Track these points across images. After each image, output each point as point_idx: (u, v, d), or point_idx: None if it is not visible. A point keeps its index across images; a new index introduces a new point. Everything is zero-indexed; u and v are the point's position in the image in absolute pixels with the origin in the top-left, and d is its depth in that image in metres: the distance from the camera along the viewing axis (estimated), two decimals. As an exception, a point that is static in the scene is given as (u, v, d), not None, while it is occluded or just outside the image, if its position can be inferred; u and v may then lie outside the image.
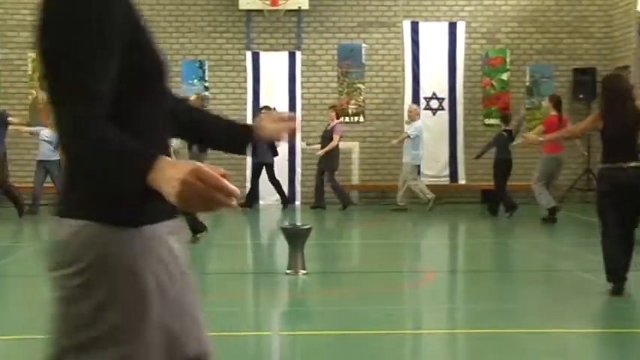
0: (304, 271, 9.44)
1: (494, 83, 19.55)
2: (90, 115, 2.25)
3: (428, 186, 17.96)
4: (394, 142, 17.88)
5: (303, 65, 19.29)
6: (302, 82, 19.27)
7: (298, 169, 19.11)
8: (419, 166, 17.91)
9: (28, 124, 17.46)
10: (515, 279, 10.17)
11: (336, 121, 17.94)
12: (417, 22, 19.33)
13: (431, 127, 19.00)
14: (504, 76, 19.54)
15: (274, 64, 19.18)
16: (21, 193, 16.39)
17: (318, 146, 17.94)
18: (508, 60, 19.54)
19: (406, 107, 18.85)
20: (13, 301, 8.76)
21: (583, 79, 18.94)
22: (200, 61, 19.32)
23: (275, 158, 18.14)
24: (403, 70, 19.38)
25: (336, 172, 17.84)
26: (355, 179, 19.18)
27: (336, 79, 19.46)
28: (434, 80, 19.31)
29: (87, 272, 2.33)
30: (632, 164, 8.15)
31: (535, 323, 7.37)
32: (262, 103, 18.86)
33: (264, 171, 17.93)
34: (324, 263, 10.85)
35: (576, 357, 6.50)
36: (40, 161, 16.63)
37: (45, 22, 2.49)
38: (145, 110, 2.47)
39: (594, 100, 17.59)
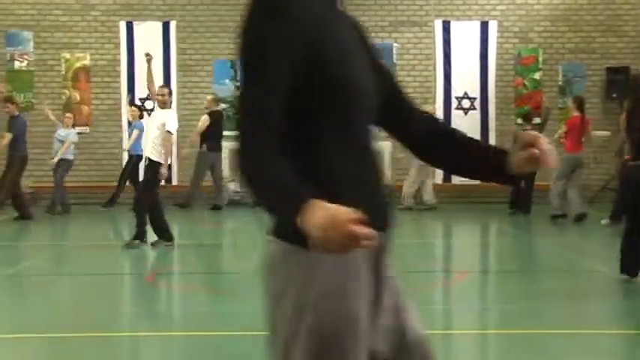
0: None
1: (527, 83, 19.45)
2: (258, 133, 2.32)
3: (457, 185, 17.96)
4: (400, 155, 17.98)
5: (334, 65, 19.26)
6: (333, 82, 19.24)
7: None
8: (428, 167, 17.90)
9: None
10: (544, 279, 10.12)
11: None
12: (449, 22, 19.28)
13: (462, 127, 18.51)
14: (537, 76, 19.44)
15: (305, 64, 19.17)
16: (28, 199, 16.45)
17: None
18: (540, 59, 19.43)
19: (438, 107, 18.84)
20: (41, 300, 8.84)
21: (616, 78, 18.80)
22: (232, 61, 19.37)
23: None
24: (435, 70, 19.33)
25: None
26: (386, 179, 19.12)
27: (367, 79, 19.43)
28: (465, 80, 19.25)
29: (296, 297, 2.38)
30: None
31: (565, 324, 7.33)
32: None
33: None
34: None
35: (607, 358, 6.46)
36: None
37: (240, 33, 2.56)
38: (330, 134, 2.44)
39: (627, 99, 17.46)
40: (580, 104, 15.23)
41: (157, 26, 19.10)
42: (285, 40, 2.37)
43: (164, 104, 11.99)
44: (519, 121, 19.34)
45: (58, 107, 18.86)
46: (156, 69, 18.86)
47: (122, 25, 19.10)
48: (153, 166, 11.54)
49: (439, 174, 19.09)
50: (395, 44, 19.41)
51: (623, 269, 8.88)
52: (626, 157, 10.13)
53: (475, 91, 19.27)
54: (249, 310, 7.90)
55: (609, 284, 9.23)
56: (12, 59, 19.17)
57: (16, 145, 15.66)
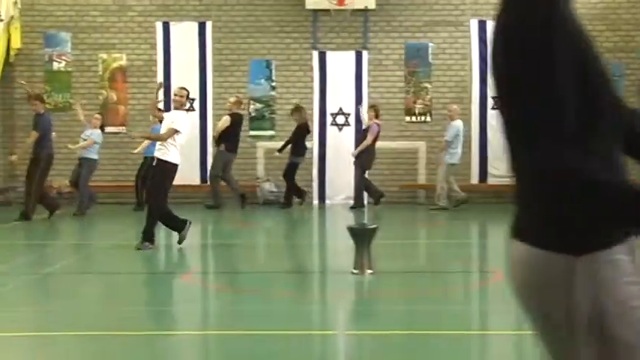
0: (371, 271, 9.43)
1: (563, 82, 19.28)
2: (565, 149, 2.33)
3: (493, 186, 17.89)
4: (440, 153, 17.94)
5: (369, 65, 19.27)
6: (369, 82, 19.25)
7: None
8: (455, 166, 17.82)
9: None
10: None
11: (374, 120, 17.88)
12: (485, 21, 19.16)
13: (498, 127, 18.83)
14: (573, 75, 19.26)
15: (341, 64, 19.19)
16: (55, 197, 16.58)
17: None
18: (577, 58, 19.24)
19: (474, 107, 18.77)
20: (72, 298, 8.90)
21: (655, 77, 18.62)
22: (267, 60, 19.41)
23: (342, 158, 18.21)
24: (470, 70, 19.23)
25: (368, 172, 17.89)
26: (422, 179, 19.09)
27: (402, 79, 19.41)
28: (502, 79, 19.11)
29: (592, 308, 2.40)
30: None
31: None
32: (329, 103, 18.91)
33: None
34: (390, 263, 10.82)
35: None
36: (79, 159, 16.85)
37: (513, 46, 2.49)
38: (598, 128, 2.49)
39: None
40: None
41: (193, 27, 19.18)
42: (566, 54, 2.42)
43: (181, 105, 12.03)
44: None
45: (94, 107, 18.99)
46: (191, 69, 19.08)
47: (158, 26, 19.20)
48: (161, 165, 11.58)
49: (475, 174, 19.02)
50: (431, 44, 19.34)
51: None
52: None
53: (511, 91, 19.13)
54: (277, 309, 7.91)
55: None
56: (50, 60, 19.34)
57: (42, 143, 15.74)
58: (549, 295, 2.45)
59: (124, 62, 19.37)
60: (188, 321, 7.78)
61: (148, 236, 11.69)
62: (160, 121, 17.02)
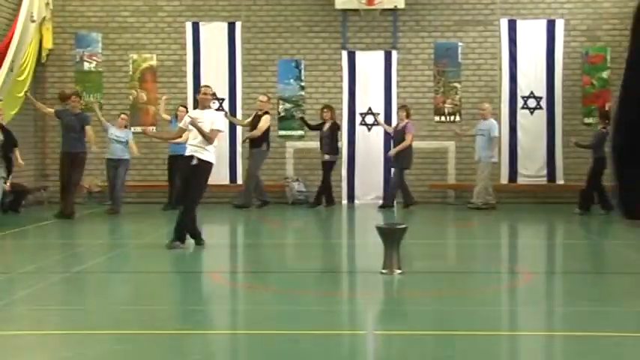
0: (400, 271, 9.43)
1: (594, 82, 19.18)
2: None
3: (523, 186, 17.85)
4: (458, 131, 18.03)
5: (399, 64, 19.25)
6: (398, 82, 19.23)
7: (393, 169, 19.07)
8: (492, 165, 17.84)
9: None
10: (614, 281, 9.98)
11: (406, 120, 17.88)
12: (515, 20, 19.11)
13: (528, 127, 18.81)
14: (605, 75, 19.15)
15: (370, 64, 19.19)
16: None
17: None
18: (609, 58, 19.14)
19: (503, 106, 18.71)
20: (104, 297, 8.97)
21: (687, 76, 18.41)
22: (296, 60, 19.45)
23: (371, 158, 18.22)
24: (500, 69, 19.17)
25: (407, 171, 17.87)
26: (451, 179, 19.06)
27: (432, 78, 19.37)
28: (531, 79, 19.06)
29: None
30: None
31: (635, 327, 7.21)
32: (358, 103, 18.92)
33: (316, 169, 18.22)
34: (419, 263, 10.82)
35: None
36: (108, 160, 16.92)
37: None
38: None
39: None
40: None
41: (223, 27, 19.25)
42: None
43: (208, 103, 12.00)
44: (587, 120, 19.10)
45: (125, 107, 19.12)
46: (221, 69, 19.15)
47: (188, 26, 19.30)
48: (202, 165, 11.57)
49: (504, 174, 18.96)
50: (460, 43, 19.30)
51: None
52: None
53: (541, 91, 19.07)
54: (305, 309, 7.92)
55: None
56: (81, 60, 19.49)
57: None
58: None
59: (154, 62, 19.49)
60: (217, 320, 7.82)
61: (180, 235, 11.72)
62: (177, 118, 17.24)
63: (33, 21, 18.22)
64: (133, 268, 11.02)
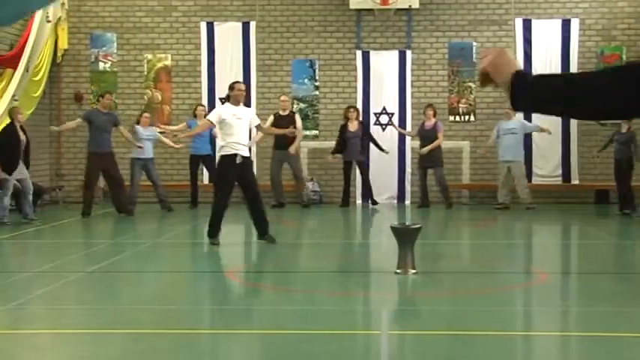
0: (414, 271, 9.43)
1: (610, 81, 19.08)
2: None
3: (537, 185, 17.84)
4: (483, 151, 18.01)
5: (413, 64, 19.24)
6: (412, 81, 19.22)
7: (408, 169, 19.07)
8: None
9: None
10: (630, 281, 9.94)
11: (434, 119, 17.90)
12: (530, 20, 19.07)
13: (543, 126, 18.74)
14: (620, 74, 19.05)
15: (384, 63, 19.18)
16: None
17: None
18: (624, 57, 19.07)
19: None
20: (123, 296, 9.00)
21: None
22: (310, 60, 19.46)
23: (385, 158, 18.22)
24: (515, 69, 19.09)
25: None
26: (465, 178, 19.03)
27: (446, 78, 19.35)
28: (546, 78, 18.98)
29: None
30: None
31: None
32: (372, 103, 18.91)
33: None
34: (434, 263, 10.81)
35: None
36: (137, 159, 16.99)
37: None
38: None
39: None
40: None
41: (237, 27, 19.28)
42: None
43: (242, 99, 12.19)
44: (605, 120, 19.02)
45: (139, 107, 19.17)
46: (235, 69, 19.18)
47: (203, 26, 19.33)
48: (249, 163, 11.93)
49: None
50: (474, 43, 19.26)
51: None
52: None
53: (556, 90, 18.99)
54: (320, 309, 7.93)
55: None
56: (96, 60, 19.56)
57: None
58: None
59: (168, 62, 19.53)
60: (232, 320, 7.83)
61: (266, 228, 12.11)
62: (195, 117, 17.48)
63: (48, 21, 18.29)
64: (148, 267, 11.05)
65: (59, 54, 19.17)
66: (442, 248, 12.67)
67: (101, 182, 17.96)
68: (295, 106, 19.23)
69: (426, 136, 17.82)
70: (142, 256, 12.00)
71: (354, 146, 17.96)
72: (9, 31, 17.31)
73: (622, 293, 8.97)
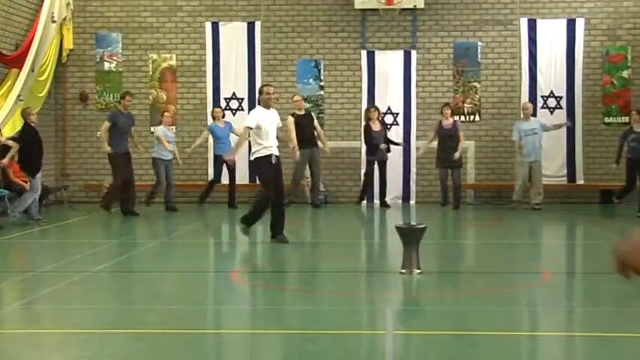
0: (419, 271, 9.42)
1: (615, 81, 19.09)
2: None
3: (544, 185, 17.86)
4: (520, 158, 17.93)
5: (418, 64, 19.23)
6: (417, 81, 19.21)
7: (413, 169, 19.06)
8: None
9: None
10: (635, 282, 9.89)
11: (452, 118, 17.92)
12: (535, 20, 19.05)
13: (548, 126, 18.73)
14: (625, 74, 19.07)
15: (389, 63, 19.18)
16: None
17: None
18: (629, 57, 19.06)
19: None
20: (128, 296, 9.01)
21: None
22: (315, 60, 19.46)
23: (391, 158, 18.23)
24: (520, 69, 19.12)
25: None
26: (471, 178, 19.01)
27: (451, 78, 19.34)
28: (551, 78, 19.00)
29: None
30: None
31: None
32: (377, 102, 18.89)
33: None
34: (438, 263, 10.81)
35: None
36: (161, 160, 17.13)
37: None
38: None
39: None
40: None
41: (242, 27, 19.29)
42: None
43: (272, 103, 12.39)
44: (607, 120, 19.02)
45: (145, 107, 19.20)
46: (240, 69, 19.20)
47: (208, 26, 19.35)
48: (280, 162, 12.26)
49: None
50: (479, 43, 19.26)
51: None
52: None
53: (561, 90, 19.01)
54: (324, 309, 7.93)
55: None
56: (101, 60, 19.58)
57: None
58: None
59: (173, 62, 19.55)
60: (236, 320, 7.83)
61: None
62: (214, 119, 17.75)
63: (54, 21, 18.32)
64: (153, 267, 11.06)
65: (64, 54, 19.20)
66: (447, 248, 12.67)
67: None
68: (300, 105, 19.24)
69: (446, 135, 17.75)
70: (146, 256, 12.01)
71: (378, 145, 17.97)
72: (14, 31, 17.34)
73: (626, 293, 8.95)
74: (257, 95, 18.76)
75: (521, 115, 17.99)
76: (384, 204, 18.06)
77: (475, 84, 19.28)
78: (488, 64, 19.28)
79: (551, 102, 18.97)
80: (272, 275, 10.56)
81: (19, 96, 16.61)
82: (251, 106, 19.09)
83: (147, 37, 19.56)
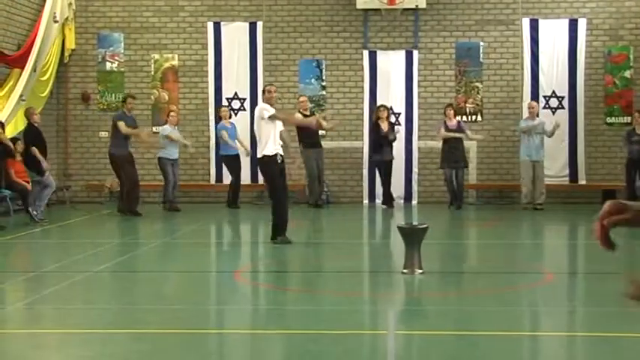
0: (421, 271, 9.42)
1: (617, 81, 19.07)
2: None
3: (546, 185, 17.87)
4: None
5: (420, 64, 19.21)
6: (419, 81, 19.20)
7: (415, 169, 19.05)
8: None
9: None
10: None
11: (455, 118, 17.92)
12: (537, 20, 19.03)
13: (550, 127, 18.70)
14: (627, 74, 19.05)
15: (391, 63, 19.17)
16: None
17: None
18: (631, 57, 19.04)
19: (525, 106, 18.61)
20: (130, 296, 9.01)
21: None
22: (317, 60, 19.45)
23: (395, 158, 18.26)
24: (522, 69, 19.10)
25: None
26: (472, 178, 18.99)
27: (453, 78, 19.32)
28: (553, 78, 18.98)
29: None
30: None
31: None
32: (379, 102, 18.88)
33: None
34: (440, 263, 10.80)
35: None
36: (167, 159, 17.23)
37: None
38: None
39: None
40: None
41: (244, 27, 19.28)
42: None
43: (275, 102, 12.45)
44: (609, 120, 19.01)
45: (147, 107, 19.21)
46: (242, 69, 19.21)
47: (210, 26, 19.34)
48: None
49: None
50: (482, 43, 19.24)
51: None
52: None
53: (563, 90, 18.99)
54: (326, 309, 7.93)
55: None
56: (103, 60, 19.58)
57: None
58: None
59: (175, 62, 19.55)
60: (238, 320, 7.83)
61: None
62: (221, 119, 17.85)
63: (56, 21, 18.32)
64: (154, 267, 11.06)
65: (66, 54, 19.19)
66: (449, 248, 12.66)
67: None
68: (302, 106, 19.24)
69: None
70: (148, 256, 12.01)
71: (388, 145, 17.97)
72: (16, 31, 17.35)
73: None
74: (260, 96, 18.92)
75: (527, 114, 17.98)
76: (388, 203, 18.01)
77: (477, 84, 19.27)
78: (491, 64, 19.26)
79: (554, 102, 18.95)
80: (274, 275, 10.56)
81: (21, 96, 16.61)
82: (253, 107, 19.07)
83: (149, 37, 19.56)
